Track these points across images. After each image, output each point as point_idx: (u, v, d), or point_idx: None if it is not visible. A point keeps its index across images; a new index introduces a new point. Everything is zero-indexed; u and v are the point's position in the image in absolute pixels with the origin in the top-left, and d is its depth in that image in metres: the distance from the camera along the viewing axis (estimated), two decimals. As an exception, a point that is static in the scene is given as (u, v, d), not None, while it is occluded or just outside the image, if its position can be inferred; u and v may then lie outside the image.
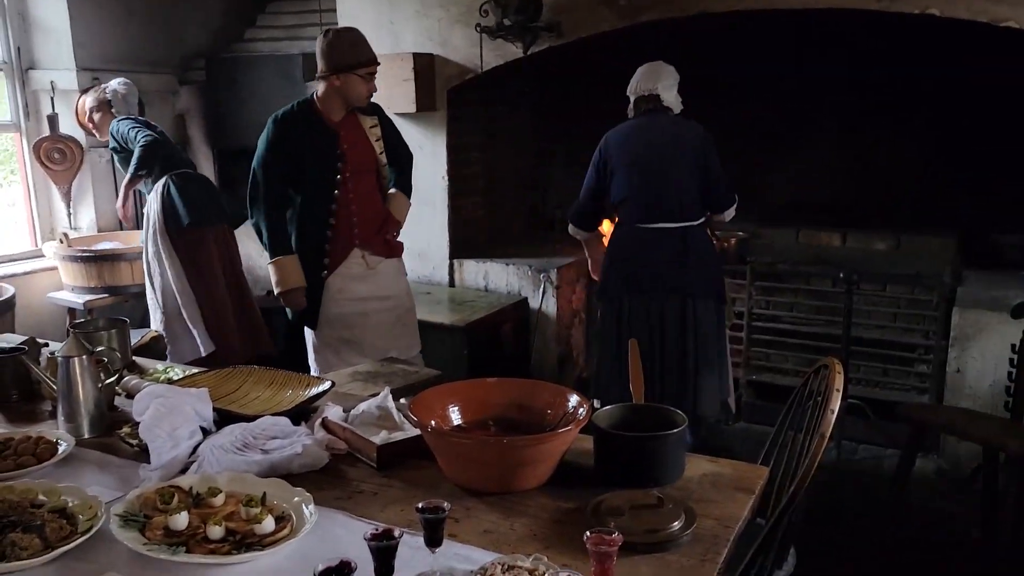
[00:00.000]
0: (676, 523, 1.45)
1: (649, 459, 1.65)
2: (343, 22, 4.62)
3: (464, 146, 4.70)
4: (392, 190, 3.26)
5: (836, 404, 1.79)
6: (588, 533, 1.25)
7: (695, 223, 3.29)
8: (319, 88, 3.05)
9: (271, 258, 3.09)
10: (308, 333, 3.26)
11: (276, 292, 3.12)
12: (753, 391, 4.19)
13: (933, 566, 2.90)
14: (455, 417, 1.81)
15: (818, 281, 4.07)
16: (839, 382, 1.84)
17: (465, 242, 4.72)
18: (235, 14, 5.55)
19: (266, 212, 3.06)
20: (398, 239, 3.28)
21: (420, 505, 1.33)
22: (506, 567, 1.30)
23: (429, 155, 4.48)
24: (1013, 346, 2.87)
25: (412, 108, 4.30)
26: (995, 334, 3.30)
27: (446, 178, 4.56)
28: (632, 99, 3.37)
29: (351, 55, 2.97)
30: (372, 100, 3.13)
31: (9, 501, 1.50)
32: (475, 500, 1.60)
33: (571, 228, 3.57)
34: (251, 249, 5.14)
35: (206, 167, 5.25)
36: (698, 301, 3.25)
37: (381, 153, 3.17)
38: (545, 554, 1.36)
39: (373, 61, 3.02)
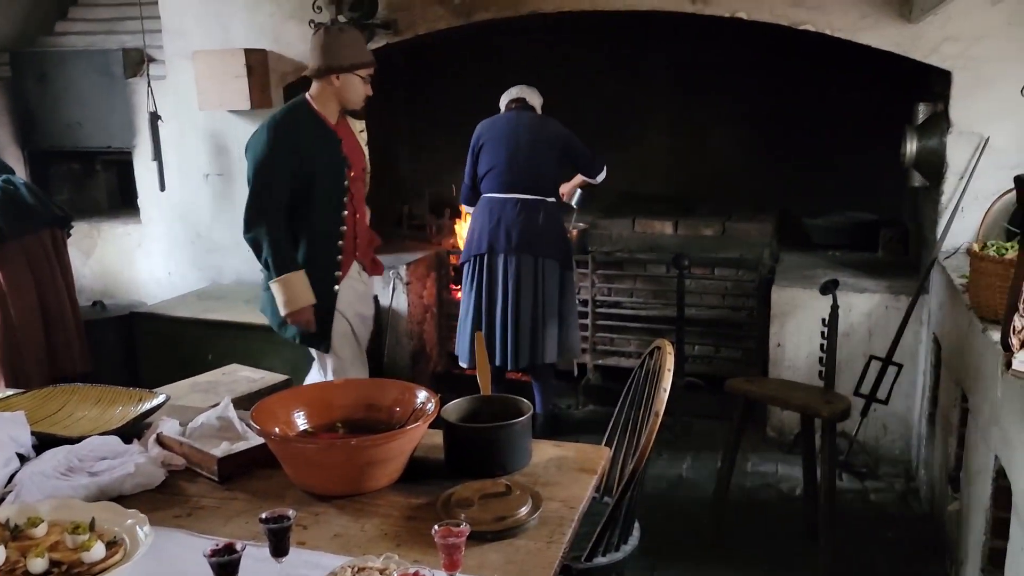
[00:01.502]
0: (523, 508, 1.50)
1: (496, 448, 1.70)
2: (166, 15, 4.37)
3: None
4: None
5: (668, 383, 1.91)
6: (436, 527, 1.28)
7: (549, 199, 3.73)
8: (313, 88, 2.87)
9: (276, 275, 2.78)
10: (319, 358, 3.02)
11: (284, 312, 2.81)
12: (599, 375, 4.37)
13: (765, 521, 3.18)
14: (301, 422, 1.78)
15: (654, 267, 4.32)
16: (670, 362, 1.96)
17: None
18: (42, 5, 5.10)
19: (269, 225, 2.75)
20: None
21: (263, 515, 1.31)
22: (356, 569, 1.30)
23: (267, 154, 4.32)
24: (823, 320, 3.16)
25: (247, 105, 4.14)
26: (808, 310, 3.62)
27: (287, 177, 4.42)
28: (504, 103, 3.85)
29: (353, 55, 2.82)
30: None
31: None
32: (324, 505, 1.58)
33: (463, 208, 4.09)
34: (74, 259, 4.75)
35: (15, 170, 4.79)
36: (546, 261, 3.67)
37: (368, 159, 3.04)
38: (397, 552, 1.37)
39: (374, 62, 2.91)
